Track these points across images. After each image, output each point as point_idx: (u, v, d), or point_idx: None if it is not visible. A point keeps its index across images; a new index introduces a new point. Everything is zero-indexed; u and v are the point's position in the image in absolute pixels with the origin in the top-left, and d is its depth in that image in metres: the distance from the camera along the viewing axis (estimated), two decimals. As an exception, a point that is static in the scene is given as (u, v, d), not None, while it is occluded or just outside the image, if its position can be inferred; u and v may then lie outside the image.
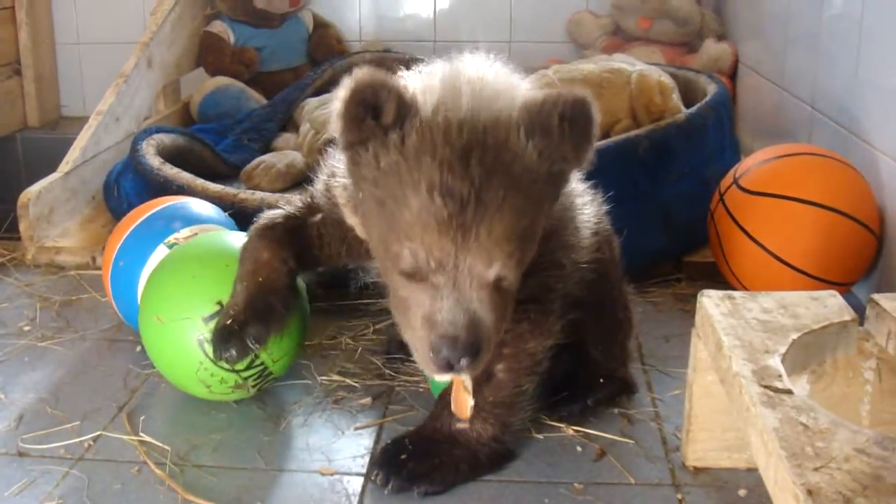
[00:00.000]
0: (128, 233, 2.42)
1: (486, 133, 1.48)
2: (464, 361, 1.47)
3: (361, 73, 1.51)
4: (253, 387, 2.13)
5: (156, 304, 2.12)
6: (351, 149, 1.57)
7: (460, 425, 1.86)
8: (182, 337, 2.06)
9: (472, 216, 1.45)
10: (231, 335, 1.95)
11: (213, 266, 2.11)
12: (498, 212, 1.46)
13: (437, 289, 1.49)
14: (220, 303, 2.05)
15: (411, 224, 1.47)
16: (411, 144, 1.48)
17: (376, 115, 1.50)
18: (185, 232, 2.36)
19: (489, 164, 1.46)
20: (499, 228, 1.47)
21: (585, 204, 2.01)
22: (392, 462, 1.87)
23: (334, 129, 1.54)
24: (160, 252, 2.33)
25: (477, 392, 1.80)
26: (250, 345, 1.96)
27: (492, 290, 1.51)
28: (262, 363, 2.10)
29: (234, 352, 1.95)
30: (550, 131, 1.51)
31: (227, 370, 2.07)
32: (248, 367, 2.08)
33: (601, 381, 2.13)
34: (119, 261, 2.40)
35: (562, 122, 1.50)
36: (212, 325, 2.04)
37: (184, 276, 2.11)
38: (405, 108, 1.50)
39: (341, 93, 1.52)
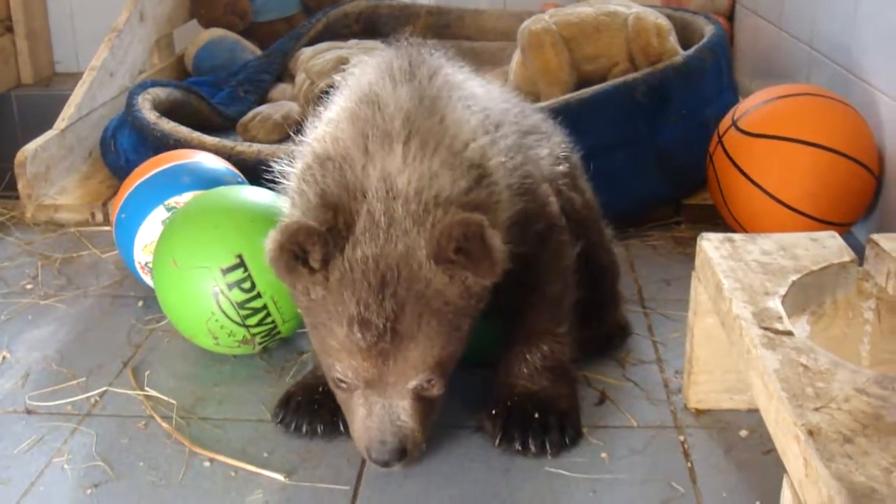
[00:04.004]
0: (134, 186, 2.42)
1: (398, 267, 1.59)
2: (394, 463, 1.69)
3: (289, 226, 1.58)
4: (259, 344, 2.14)
5: (174, 248, 2.12)
6: (285, 283, 1.69)
7: None
8: (197, 284, 2.07)
9: (389, 344, 1.61)
10: (319, 412, 1.93)
11: (237, 218, 2.11)
12: (413, 340, 1.61)
13: (367, 398, 1.68)
14: (239, 256, 2.06)
15: (338, 349, 1.64)
16: (334, 280, 1.61)
17: (305, 261, 1.60)
18: (188, 196, 2.35)
19: (402, 297, 1.59)
20: (415, 353, 1.63)
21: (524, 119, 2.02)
22: (522, 428, 1.86)
23: (268, 266, 1.63)
24: (159, 213, 2.33)
25: (535, 315, 1.92)
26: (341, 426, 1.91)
27: (415, 399, 1.68)
28: (272, 321, 2.11)
29: (321, 429, 1.92)
30: (452, 262, 1.60)
31: (238, 324, 2.08)
32: (258, 324, 2.09)
33: (594, 324, 2.14)
34: (122, 213, 2.41)
35: (458, 255, 1.58)
36: (229, 277, 2.05)
37: (206, 224, 2.12)
38: (330, 252, 1.60)
39: (272, 242, 1.59)
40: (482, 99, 1.88)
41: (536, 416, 1.86)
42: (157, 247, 2.19)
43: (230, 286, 2.06)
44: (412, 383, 1.66)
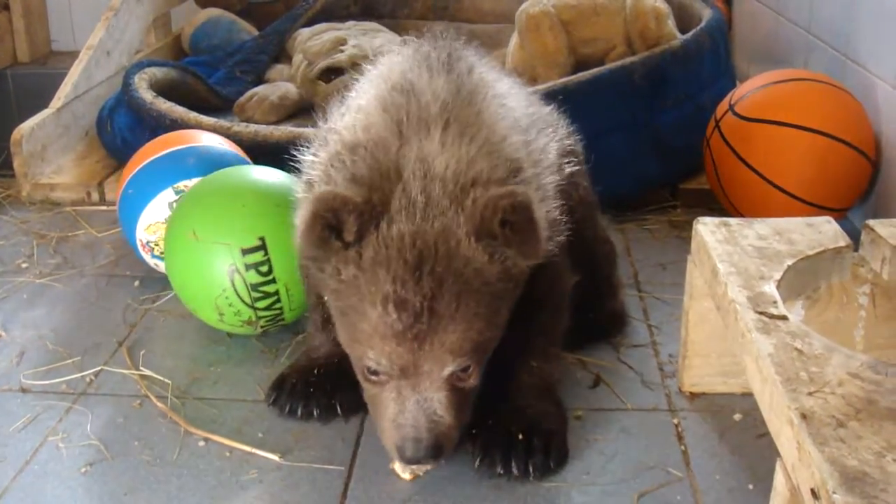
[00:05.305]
0: (145, 163, 2.41)
1: (436, 244, 1.52)
2: (427, 461, 1.62)
3: (324, 194, 1.53)
4: (262, 327, 2.14)
5: (196, 220, 2.11)
6: (314, 263, 1.61)
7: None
8: (214, 259, 2.07)
9: (426, 326, 1.52)
10: (316, 394, 1.92)
11: (265, 200, 2.10)
12: (451, 321, 1.53)
13: (400, 391, 1.59)
14: (262, 238, 2.05)
15: (370, 334, 1.55)
16: (368, 258, 1.54)
17: (339, 234, 1.54)
18: (196, 181, 2.33)
19: (440, 275, 1.52)
20: (453, 336, 1.54)
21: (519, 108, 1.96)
22: (504, 451, 1.76)
23: (297, 245, 1.57)
24: (167, 194, 2.33)
25: (526, 337, 1.84)
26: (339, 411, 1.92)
27: (450, 391, 1.59)
28: (280, 308, 2.11)
29: (317, 412, 1.92)
30: (495, 237, 1.54)
31: (247, 305, 2.08)
32: (266, 308, 2.09)
33: (590, 315, 2.13)
34: (129, 188, 2.40)
35: (503, 228, 1.53)
36: (248, 258, 2.05)
37: (234, 201, 2.10)
38: (365, 224, 1.53)
39: (305, 213, 1.54)
40: (512, 100, 1.84)
41: (521, 437, 1.77)
42: (174, 216, 2.18)
43: (248, 267, 2.06)
44: (448, 369, 1.56)
